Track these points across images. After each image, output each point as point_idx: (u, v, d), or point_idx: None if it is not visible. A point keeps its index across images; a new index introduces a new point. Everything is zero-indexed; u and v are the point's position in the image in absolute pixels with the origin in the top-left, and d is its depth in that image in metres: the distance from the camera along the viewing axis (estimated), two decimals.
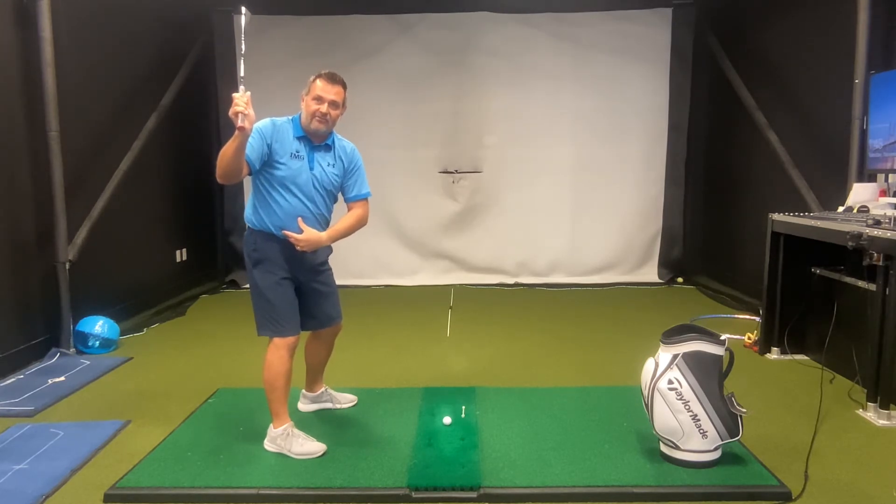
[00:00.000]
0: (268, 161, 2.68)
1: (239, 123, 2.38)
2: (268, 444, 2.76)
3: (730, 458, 2.62)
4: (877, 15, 3.93)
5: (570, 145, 6.50)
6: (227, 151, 2.46)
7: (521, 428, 2.96)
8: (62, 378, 3.72)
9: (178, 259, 6.03)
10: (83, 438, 2.90)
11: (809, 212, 4.24)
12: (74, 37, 4.43)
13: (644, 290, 6.30)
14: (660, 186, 6.55)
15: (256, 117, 2.53)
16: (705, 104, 6.50)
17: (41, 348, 4.12)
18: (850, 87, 4.00)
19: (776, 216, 3.94)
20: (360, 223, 2.89)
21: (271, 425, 2.77)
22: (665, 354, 2.58)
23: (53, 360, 4.07)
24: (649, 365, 2.64)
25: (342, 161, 2.85)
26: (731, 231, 6.04)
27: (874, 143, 3.80)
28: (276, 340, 2.73)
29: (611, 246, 6.62)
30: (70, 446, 2.82)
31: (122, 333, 4.55)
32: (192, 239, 6.26)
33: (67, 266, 4.25)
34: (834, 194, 4.25)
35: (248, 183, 2.82)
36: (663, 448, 2.64)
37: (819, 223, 3.52)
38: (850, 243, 3.11)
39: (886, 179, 3.92)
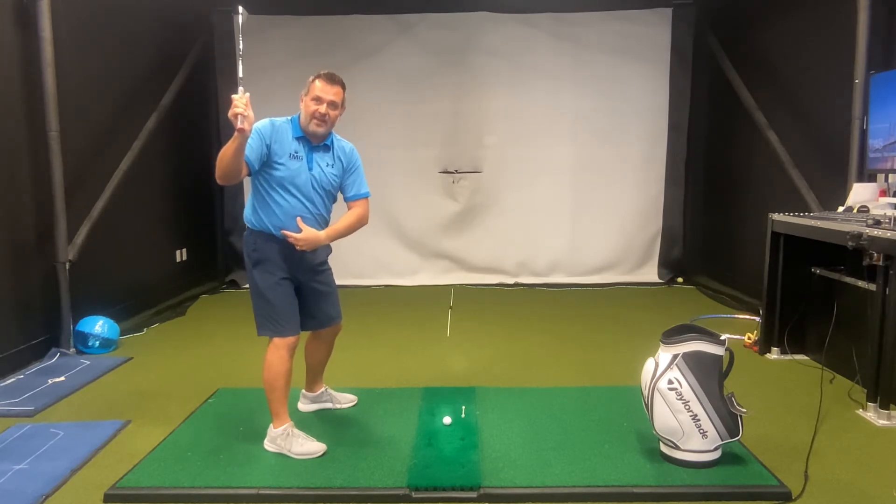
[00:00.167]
0: (267, 161, 2.68)
1: (238, 125, 2.38)
2: (268, 444, 2.76)
3: (730, 458, 2.62)
4: (877, 15, 3.93)
5: (570, 145, 6.50)
6: (226, 152, 2.46)
7: (521, 428, 2.96)
8: (62, 378, 3.72)
9: (178, 259, 6.03)
10: (83, 438, 2.90)
11: (809, 212, 4.24)
12: (74, 37, 4.43)
13: (644, 290, 6.30)
14: (660, 186, 6.55)
15: (256, 118, 2.53)
16: (705, 104, 6.50)
17: (41, 348, 4.12)
18: (850, 87, 4.00)
19: (776, 216, 3.94)
20: (360, 223, 2.89)
21: (271, 425, 2.77)
22: (665, 354, 2.58)
23: (53, 360, 4.07)
24: (649, 365, 2.64)
25: (341, 161, 2.85)
26: (731, 231, 6.04)
27: (874, 143, 3.80)
28: (276, 340, 2.73)
29: (611, 246, 6.62)
30: (70, 446, 2.82)
31: (122, 333, 4.55)
32: (192, 239, 6.26)
33: (67, 266, 4.25)
34: (834, 194, 4.25)
35: (247, 183, 2.82)
36: (663, 448, 2.64)
37: (819, 223, 3.52)
38: (850, 243, 3.11)
39: (886, 179, 3.92)
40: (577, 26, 6.37)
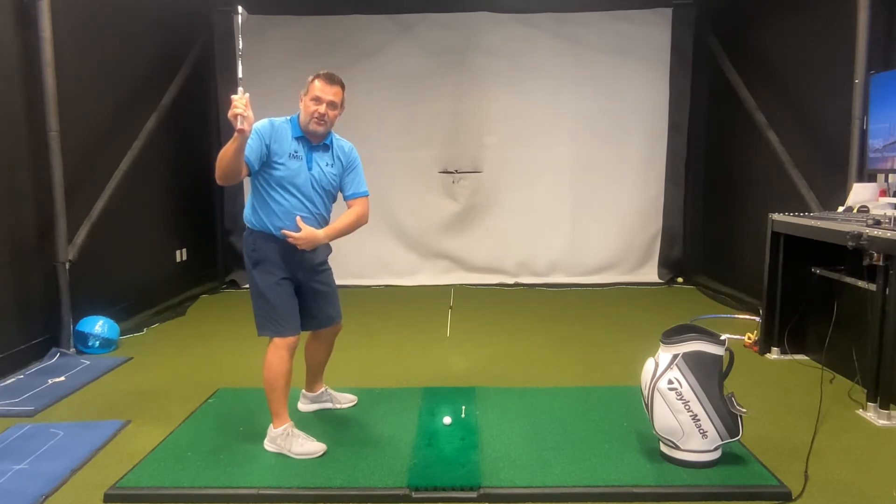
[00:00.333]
0: (266, 161, 2.68)
1: (238, 126, 2.38)
2: (268, 444, 2.76)
3: (730, 458, 2.62)
4: (877, 15, 3.93)
5: (570, 145, 6.50)
6: (226, 153, 2.46)
7: (521, 428, 2.96)
8: (62, 378, 3.72)
9: (178, 259, 6.03)
10: (83, 438, 2.90)
11: (809, 212, 4.24)
12: (74, 37, 4.43)
13: (644, 290, 6.30)
14: (660, 186, 6.55)
15: (256, 118, 2.53)
16: (705, 104, 6.50)
17: (41, 348, 4.12)
18: (850, 87, 4.00)
19: (776, 216, 3.94)
20: (360, 221, 2.89)
21: (271, 425, 2.77)
22: (665, 354, 2.58)
23: (53, 360, 4.07)
24: (649, 365, 2.64)
25: (340, 160, 2.85)
26: (731, 231, 6.04)
27: (874, 143, 3.80)
28: (276, 340, 2.73)
29: (611, 246, 6.62)
30: (70, 446, 2.82)
31: (122, 333, 4.55)
32: (192, 239, 6.26)
33: (67, 266, 4.25)
34: (834, 194, 4.25)
35: (247, 183, 2.82)
36: (663, 448, 2.64)
37: (819, 223, 3.52)
38: (850, 243, 3.11)
39: (886, 179, 3.92)
40: (577, 26, 6.37)
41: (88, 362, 4.02)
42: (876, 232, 3.03)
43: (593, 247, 6.60)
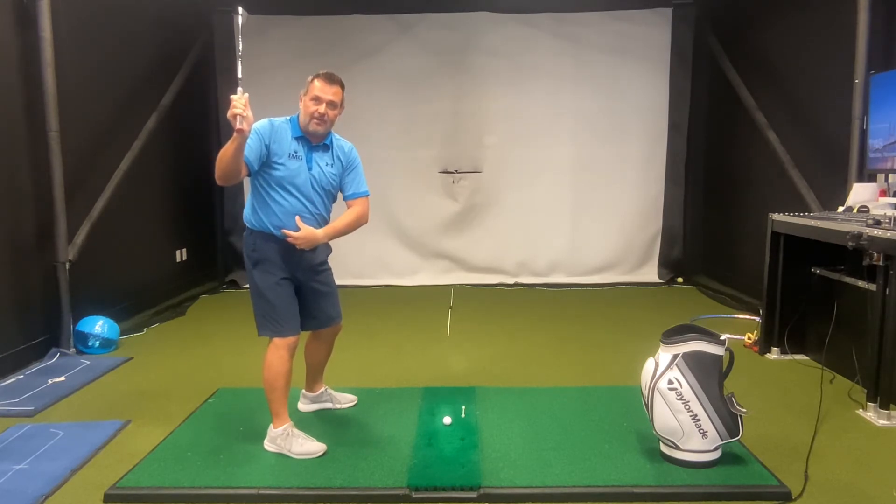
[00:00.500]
0: (266, 161, 2.68)
1: (237, 126, 2.38)
2: (268, 444, 2.76)
3: (730, 458, 2.62)
4: (877, 15, 3.93)
5: (570, 145, 6.50)
6: (225, 153, 2.46)
7: (521, 428, 2.96)
8: (62, 378, 3.72)
9: (178, 259, 6.03)
10: (83, 438, 2.90)
11: (809, 212, 4.24)
12: (74, 37, 4.43)
13: (644, 290, 6.30)
14: (660, 186, 6.55)
15: (256, 118, 2.53)
16: (705, 104, 6.50)
17: (41, 348, 4.12)
18: (850, 87, 4.00)
19: (776, 216, 3.94)
20: (359, 221, 2.89)
21: (271, 425, 2.77)
22: (665, 354, 2.58)
23: (53, 360, 4.07)
24: (649, 365, 2.64)
25: (340, 160, 2.85)
26: (731, 231, 6.04)
27: (874, 143, 3.79)
28: (276, 340, 2.73)
29: (611, 246, 6.62)
30: (70, 446, 2.82)
31: (122, 333, 4.55)
32: (192, 239, 6.26)
33: (67, 266, 4.25)
34: (834, 194, 4.25)
35: (247, 183, 2.82)
36: (663, 448, 2.64)
37: (819, 223, 3.52)
38: (850, 243, 3.11)
39: (886, 179, 3.92)
40: (577, 26, 6.37)
41: (88, 362, 4.02)
42: (876, 232, 3.03)
43: (593, 247, 6.59)
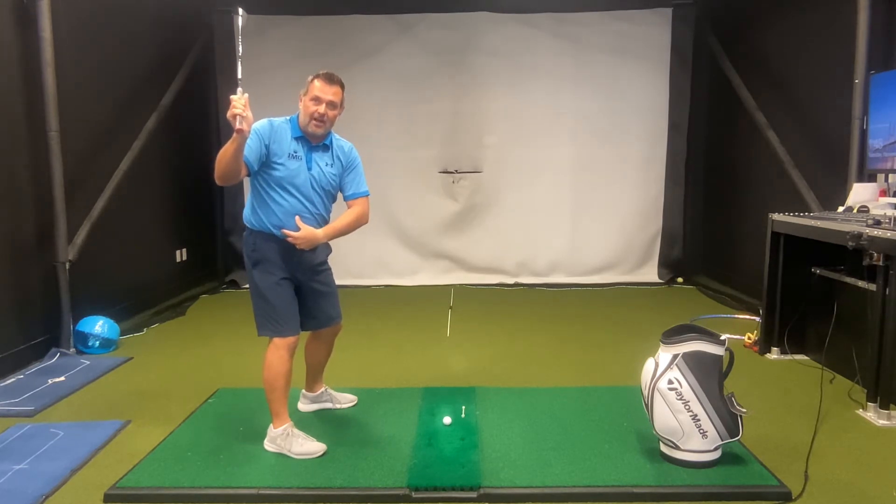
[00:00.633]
0: (266, 162, 2.68)
1: (237, 126, 2.38)
2: (268, 444, 2.76)
3: (730, 458, 2.62)
4: (877, 15, 3.93)
5: (570, 145, 6.50)
6: (225, 154, 2.46)
7: (521, 428, 2.96)
8: (62, 378, 3.72)
9: (178, 259, 6.03)
10: (83, 438, 2.90)
11: (809, 212, 4.24)
12: (74, 37, 4.43)
13: (644, 290, 6.30)
14: (660, 186, 6.55)
15: (256, 118, 2.53)
16: (705, 104, 6.50)
17: (41, 348, 4.12)
18: (850, 87, 4.00)
19: (776, 216, 3.94)
20: (360, 221, 2.89)
21: (271, 425, 2.77)
22: (665, 354, 2.58)
23: (53, 360, 4.07)
24: (649, 365, 2.64)
25: (340, 160, 2.85)
26: (731, 231, 6.04)
27: (874, 143, 3.80)
28: (276, 340, 2.73)
29: (611, 246, 6.62)
30: (70, 446, 2.82)
31: (122, 333, 4.55)
32: (192, 239, 6.26)
33: (67, 266, 4.25)
34: (834, 194, 4.25)
35: (247, 183, 2.83)
36: (663, 448, 2.64)
37: (819, 223, 3.52)
38: (850, 243, 3.11)
39: (886, 179, 3.92)
40: (577, 26, 6.37)
41: (88, 362, 4.02)
42: (876, 232, 3.03)
43: (593, 247, 6.59)
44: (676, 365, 2.54)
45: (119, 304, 4.88)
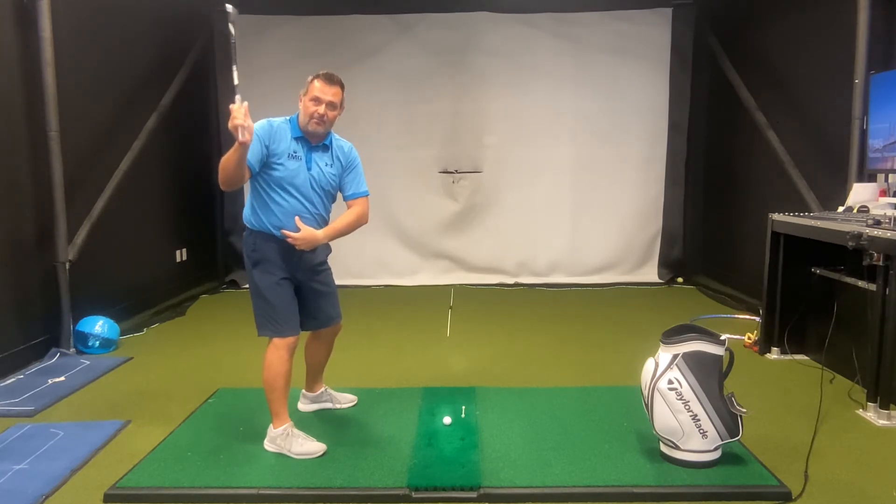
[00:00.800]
0: (266, 162, 2.68)
1: (240, 138, 2.37)
2: (268, 444, 2.76)
3: (730, 458, 2.62)
4: (877, 15, 3.93)
5: (570, 145, 6.50)
6: (228, 162, 2.47)
7: (521, 428, 2.96)
8: (62, 378, 3.72)
9: (178, 259, 6.03)
10: (83, 438, 2.90)
11: (809, 212, 4.24)
12: (74, 37, 4.43)
13: (644, 290, 6.30)
14: (660, 186, 6.55)
15: (256, 118, 2.52)
16: (705, 104, 6.50)
17: (41, 348, 4.12)
18: (850, 87, 4.00)
19: (776, 216, 3.94)
20: (359, 221, 2.88)
21: (271, 425, 2.77)
22: (665, 354, 2.58)
23: (53, 360, 4.07)
24: (649, 365, 2.64)
25: (340, 161, 2.85)
26: (731, 231, 6.04)
27: (874, 143, 3.79)
28: (276, 341, 2.73)
29: (611, 246, 6.62)
30: (70, 446, 2.82)
31: (122, 333, 4.55)
32: (192, 239, 6.26)
33: (67, 266, 4.25)
34: (834, 194, 4.25)
35: (247, 183, 2.82)
36: (663, 448, 2.64)
37: (819, 223, 3.52)
38: (850, 243, 3.11)
39: (886, 179, 3.92)
40: (577, 26, 6.37)
41: (88, 362, 4.02)
42: (876, 232, 3.03)
43: (593, 247, 6.59)
44: (676, 365, 2.54)
45: (119, 304, 4.88)
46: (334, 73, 2.74)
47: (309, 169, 2.74)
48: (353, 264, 6.25)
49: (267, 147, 2.66)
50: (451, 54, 6.40)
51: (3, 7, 3.84)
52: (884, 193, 3.83)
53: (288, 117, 2.77)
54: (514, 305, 5.70)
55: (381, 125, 6.39)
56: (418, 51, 6.41)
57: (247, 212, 2.81)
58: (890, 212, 3.45)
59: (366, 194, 2.92)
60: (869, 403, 3.13)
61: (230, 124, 2.37)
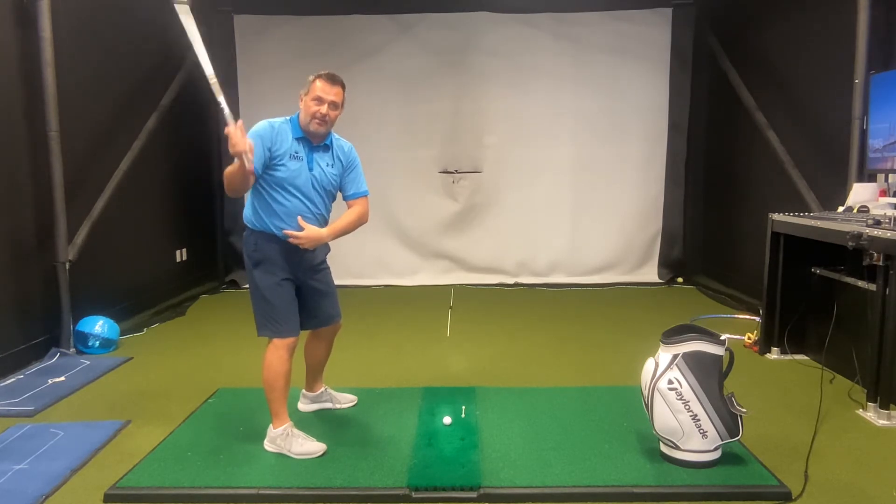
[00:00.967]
0: (267, 164, 2.68)
1: (247, 165, 2.41)
2: (268, 445, 2.76)
3: (730, 458, 2.62)
4: (877, 15, 3.93)
5: (570, 145, 6.51)
6: (234, 176, 2.51)
7: (521, 428, 2.96)
8: (62, 378, 3.72)
9: (178, 259, 6.03)
10: (83, 438, 2.90)
11: (809, 212, 4.24)
12: (74, 37, 4.43)
13: (644, 290, 6.30)
14: (660, 186, 6.56)
15: (256, 118, 2.53)
16: (705, 104, 6.50)
17: (41, 348, 4.12)
18: (850, 87, 4.00)
19: (776, 216, 3.94)
20: (360, 221, 2.89)
21: (271, 425, 2.77)
22: (665, 354, 2.58)
23: (53, 360, 4.07)
24: (649, 365, 2.64)
25: (340, 160, 2.85)
26: (731, 231, 6.04)
27: (874, 143, 3.80)
28: (276, 341, 2.73)
29: (611, 246, 6.63)
30: (70, 446, 2.82)
31: (122, 333, 4.55)
32: (192, 239, 6.26)
33: (67, 266, 4.25)
34: (834, 194, 4.25)
35: None
36: (663, 448, 2.64)
37: (819, 223, 3.52)
38: (850, 243, 3.11)
39: (886, 179, 3.92)
40: (577, 26, 6.37)
41: (88, 362, 4.02)
42: (876, 232, 3.03)
43: (593, 247, 6.60)
44: (676, 365, 2.54)
45: (119, 304, 4.88)
46: (336, 74, 2.74)
47: (310, 169, 2.74)
48: (353, 264, 6.26)
49: (269, 149, 2.66)
50: (451, 54, 6.41)
51: (3, 7, 3.84)
52: (884, 193, 3.83)
53: (288, 117, 2.77)
54: (514, 305, 5.70)
55: (381, 125, 6.39)
56: (418, 51, 6.41)
57: (247, 212, 2.81)
58: (890, 212, 3.45)
59: (366, 194, 2.92)
60: (869, 403, 3.13)
61: (232, 151, 2.41)
